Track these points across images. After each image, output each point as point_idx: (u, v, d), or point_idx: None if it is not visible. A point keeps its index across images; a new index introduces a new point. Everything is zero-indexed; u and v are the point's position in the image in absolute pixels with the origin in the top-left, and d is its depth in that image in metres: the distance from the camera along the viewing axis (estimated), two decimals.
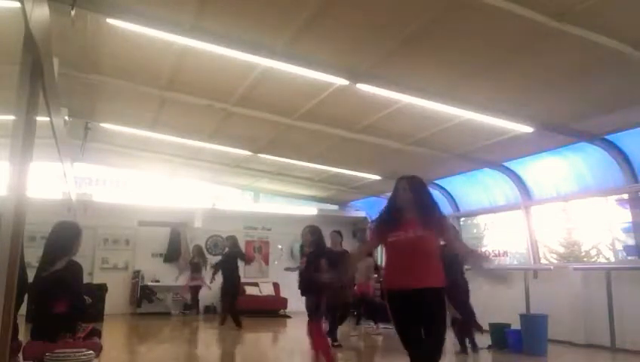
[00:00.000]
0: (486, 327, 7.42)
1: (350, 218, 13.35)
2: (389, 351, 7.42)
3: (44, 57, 2.64)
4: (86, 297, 3.97)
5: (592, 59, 4.83)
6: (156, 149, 9.76)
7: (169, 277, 11.76)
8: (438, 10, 4.27)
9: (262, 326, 10.24)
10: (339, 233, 7.94)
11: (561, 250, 8.74)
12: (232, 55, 5.25)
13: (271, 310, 11.95)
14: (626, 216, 7.34)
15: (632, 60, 4.64)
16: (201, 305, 11.43)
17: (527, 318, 7.02)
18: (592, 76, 5.19)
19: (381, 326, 9.76)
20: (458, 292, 6.44)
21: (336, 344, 7.20)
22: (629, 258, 7.35)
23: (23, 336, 3.65)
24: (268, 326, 10.36)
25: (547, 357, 6.56)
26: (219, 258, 10.36)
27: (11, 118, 2.41)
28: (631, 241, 7.33)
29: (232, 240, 9.74)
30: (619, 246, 7.74)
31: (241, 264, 9.88)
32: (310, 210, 12.71)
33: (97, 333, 3.91)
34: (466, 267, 6.64)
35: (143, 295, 11.32)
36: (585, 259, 8.24)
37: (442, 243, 3.57)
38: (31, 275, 3.61)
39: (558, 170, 8.15)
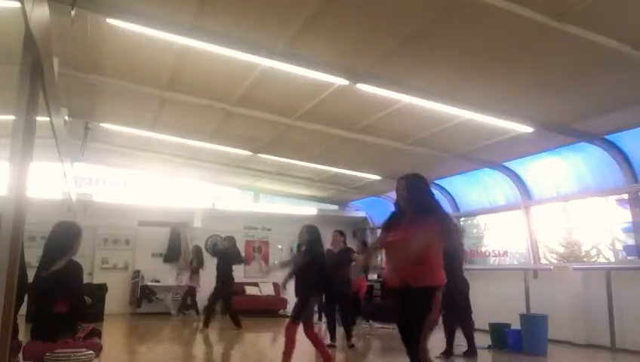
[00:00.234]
0: (486, 327, 7.43)
1: (350, 218, 13.35)
2: (383, 351, 7.42)
3: (44, 57, 2.64)
4: (86, 297, 3.97)
5: (592, 59, 4.83)
6: (156, 149, 9.76)
7: (169, 277, 11.76)
8: (438, 10, 4.27)
9: (262, 326, 10.24)
10: (341, 233, 7.96)
11: (561, 250, 8.74)
12: (232, 55, 5.25)
13: (271, 310, 11.95)
14: (626, 216, 7.34)
15: (631, 60, 4.64)
16: (201, 305, 11.40)
17: (527, 318, 7.02)
18: (592, 76, 5.19)
19: (377, 325, 9.78)
20: (456, 293, 6.39)
21: (334, 345, 7.21)
22: (629, 258, 7.35)
23: (23, 336, 3.66)
24: (268, 326, 10.35)
25: (547, 357, 6.56)
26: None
27: (11, 118, 2.41)
28: (631, 241, 7.33)
29: (230, 241, 9.62)
30: (619, 247, 7.74)
31: (241, 264, 9.85)
32: (310, 210, 12.71)
33: (97, 333, 3.91)
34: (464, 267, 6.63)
35: (142, 295, 11.32)
36: (585, 259, 8.24)
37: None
38: (31, 275, 3.62)
39: (558, 170, 8.15)
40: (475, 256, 10.27)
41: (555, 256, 8.75)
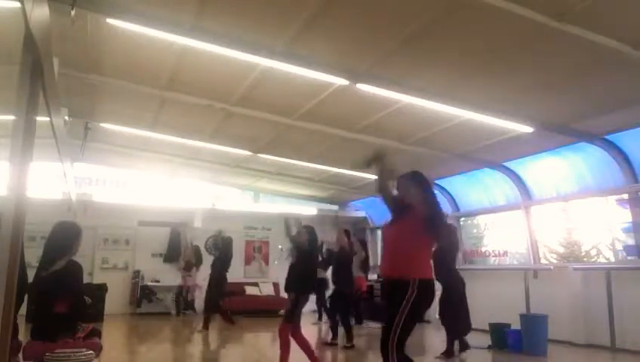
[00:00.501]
0: (486, 327, 7.42)
1: (350, 218, 13.35)
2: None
3: (44, 57, 2.64)
4: (86, 297, 3.97)
5: (592, 59, 4.83)
6: (156, 149, 9.76)
7: (169, 277, 11.75)
8: (438, 10, 4.27)
9: (262, 326, 10.24)
10: (346, 231, 8.28)
11: (561, 250, 8.70)
12: (232, 55, 5.25)
13: (271, 310, 11.94)
14: (626, 216, 7.34)
15: (631, 60, 4.64)
16: (200, 305, 11.38)
17: (527, 318, 7.02)
18: (592, 76, 5.19)
19: (375, 325, 9.78)
20: (451, 293, 6.38)
21: (334, 342, 7.23)
22: (629, 258, 7.34)
23: (23, 336, 3.66)
24: (268, 327, 10.34)
25: (547, 357, 6.56)
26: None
27: (11, 118, 2.41)
28: (631, 241, 7.33)
29: (226, 241, 9.50)
30: (619, 247, 7.73)
31: (241, 264, 9.82)
32: (310, 210, 12.70)
33: (97, 333, 3.91)
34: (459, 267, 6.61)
35: (142, 295, 11.32)
36: (585, 259, 8.22)
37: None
38: (31, 275, 3.62)
39: (558, 170, 8.15)
40: (475, 256, 10.27)
41: (555, 256, 8.73)
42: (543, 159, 8.10)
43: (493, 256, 9.92)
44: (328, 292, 9.14)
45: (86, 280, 6.61)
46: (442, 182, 10.05)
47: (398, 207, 3.56)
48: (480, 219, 10.40)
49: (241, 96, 6.58)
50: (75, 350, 3.38)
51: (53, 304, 3.56)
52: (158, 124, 8.15)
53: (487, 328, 7.40)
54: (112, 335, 8.09)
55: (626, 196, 7.34)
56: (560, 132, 6.71)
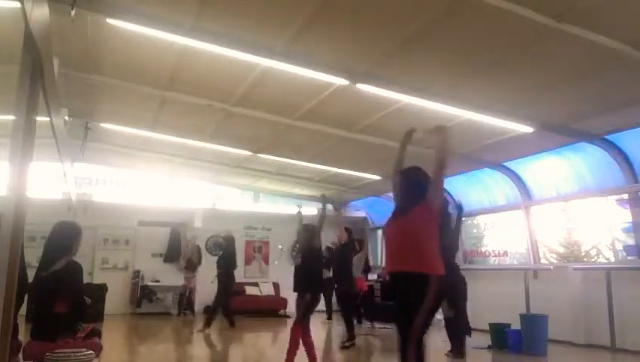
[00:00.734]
0: (486, 327, 7.43)
1: (350, 218, 13.35)
2: (383, 351, 7.42)
3: (44, 57, 2.64)
4: (86, 297, 3.97)
5: (592, 59, 4.83)
6: (156, 149, 9.75)
7: (169, 277, 11.74)
8: (438, 11, 4.27)
9: (262, 326, 10.24)
10: (347, 229, 8.30)
11: (561, 250, 8.71)
12: (232, 55, 5.25)
13: (271, 310, 11.95)
14: (626, 216, 7.34)
15: (631, 60, 4.64)
16: (201, 305, 11.39)
17: (527, 318, 7.02)
18: (592, 76, 5.19)
19: (377, 326, 9.80)
20: (453, 293, 6.35)
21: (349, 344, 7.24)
22: (629, 258, 7.35)
23: (23, 336, 3.66)
24: (268, 327, 10.36)
25: (547, 357, 6.56)
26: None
27: (11, 118, 2.41)
28: (631, 241, 7.33)
29: (229, 241, 9.59)
30: (619, 246, 7.73)
31: (241, 264, 9.85)
32: (310, 210, 12.69)
33: (97, 333, 3.92)
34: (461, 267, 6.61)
35: (143, 295, 11.31)
36: (585, 259, 8.22)
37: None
38: (31, 275, 3.62)
39: (558, 170, 8.15)
40: (475, 256, 10.27)
41: (555, 256, 8.73)
42: (543, 159, 8.10)
43: (493, 256, 9.92)
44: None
45: (86, 280, 6.61)
46: None
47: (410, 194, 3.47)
48: (480, 219, 10.40)
49: (241, 96, 6.58)
50: (75, 350, 3.38)
51: (53, 304, 3.56)
52: (158, 124, 8.15)
53: (487, 328, 7.40)
54: (112, 335, 8.09)
55: (626, 196, 7.34)
56: (560, 132, 6.71)
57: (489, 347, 7.12)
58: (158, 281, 11.66)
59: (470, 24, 4.47)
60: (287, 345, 5.03)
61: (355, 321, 9.31)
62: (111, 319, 9.93)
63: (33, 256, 4.43)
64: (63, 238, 3.76)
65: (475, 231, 10.63)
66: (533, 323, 6.84)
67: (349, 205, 13.47)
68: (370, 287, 10.80)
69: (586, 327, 7.36)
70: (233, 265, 9.20)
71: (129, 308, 11.42)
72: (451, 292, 6.33)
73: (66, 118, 6.69)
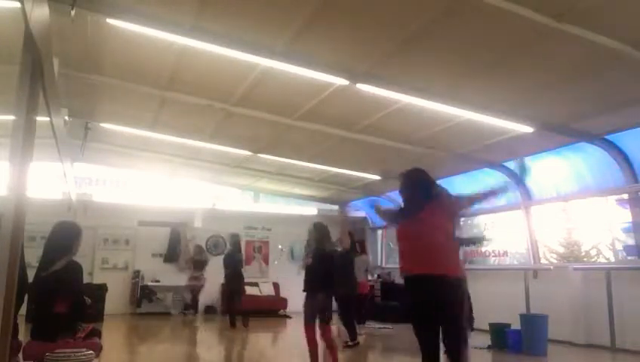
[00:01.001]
0: (486, 327, 7.42)
1: (350, 218, 13.34)
2: (383, 351, 7.42)
3: (44, 57, 2.64)
4: (86, 297, 3.97)
5: (592, 59, 4.83)
6: (156, 149, 9.75)
7: (169, 277, 11.74)
8: (438, 11, 4.27)
9: (262, 326, 10.24)
10: (349, 233, 8.15)
11: (561, 250, 8.72)
12: (232, 55, 5.25)
13: (271, 310, 11.94)
14: (626, 216, 7.34)
15: (631, 60, 4.64)
16: (202, 305, 11.39)
17: (527, 318, 7.03)
18: (592, 76, 5.19)
19: (378, 326, 9.79)
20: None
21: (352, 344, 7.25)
22: (629, 258, 7.35)
23: (23, 336, 3.66)
24: (268, 327, 10.36)
25: (547, 357, 6.56)
26: (219, 258, 10.37)
27: (11, 118, 2.41)
28: (631, 241, 7.33)
29: (234, 240, 9.74)
30: (619, 246, 7.73)
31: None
32: (310, 209, 12.71)
33: (97, 333, 3.91)
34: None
35: (143, 295, 11.32)
36: (585, 259, 8.22)
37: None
38: (31, 275, 3.62)
39: (558, 170, 8.15)
40: (475, 256, 10.27)
41: (555, 256, 8.73)
42: (543, 159, 8.10)
43: (493, 256, 9.92)
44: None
45: (86, 280, 6.60)
46: (442, 182, 9.97)
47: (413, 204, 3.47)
48: (480, 219, 10.40)
49: (241, 96, 6.58)
50: (75, 350, 3.38)
51: (53, 304, 3.56)
52: (158, 124, 8.15)
53: (487, 328, 7.40)
54: (112, 335, 8.09)
55: (626, 196, 7.34)
56: (560, 132, 6.71)
57: (489, 347, 7.13)
58: (158, 281, 11.66)
59: (470, 24, 4.47)
60: (287, 346, 5.02)
61: (356, 321, 9.31)
62: (111, 319, 9.93)
63: (33, 256, 4.42)
64: (63, 238, 3.76)
65: (475, 231, 10.62)
66: (533, 323, 6.84)
67: (349, 205, 13.47)
68: (371, 288, 10.80)
69: (586, 327, 7.36)
70: (239, 264, 9.38)
71: (129, 308, 11.42)
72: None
73: (66, 118, 6.69)
